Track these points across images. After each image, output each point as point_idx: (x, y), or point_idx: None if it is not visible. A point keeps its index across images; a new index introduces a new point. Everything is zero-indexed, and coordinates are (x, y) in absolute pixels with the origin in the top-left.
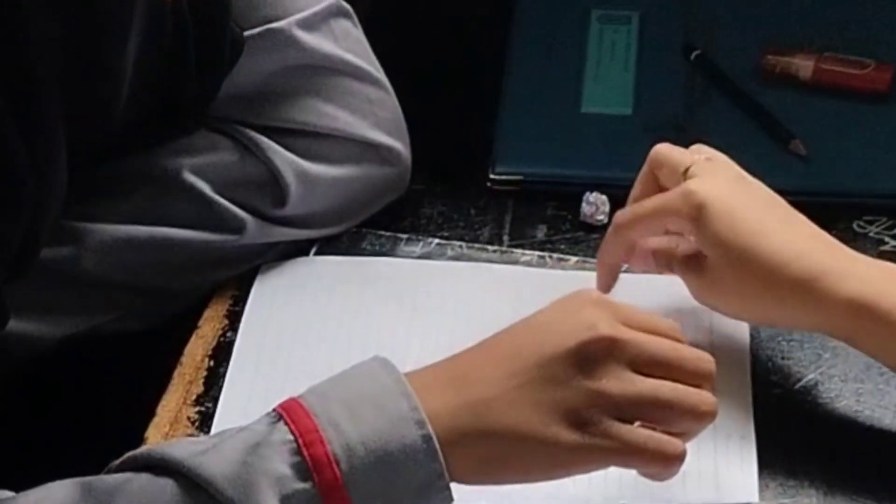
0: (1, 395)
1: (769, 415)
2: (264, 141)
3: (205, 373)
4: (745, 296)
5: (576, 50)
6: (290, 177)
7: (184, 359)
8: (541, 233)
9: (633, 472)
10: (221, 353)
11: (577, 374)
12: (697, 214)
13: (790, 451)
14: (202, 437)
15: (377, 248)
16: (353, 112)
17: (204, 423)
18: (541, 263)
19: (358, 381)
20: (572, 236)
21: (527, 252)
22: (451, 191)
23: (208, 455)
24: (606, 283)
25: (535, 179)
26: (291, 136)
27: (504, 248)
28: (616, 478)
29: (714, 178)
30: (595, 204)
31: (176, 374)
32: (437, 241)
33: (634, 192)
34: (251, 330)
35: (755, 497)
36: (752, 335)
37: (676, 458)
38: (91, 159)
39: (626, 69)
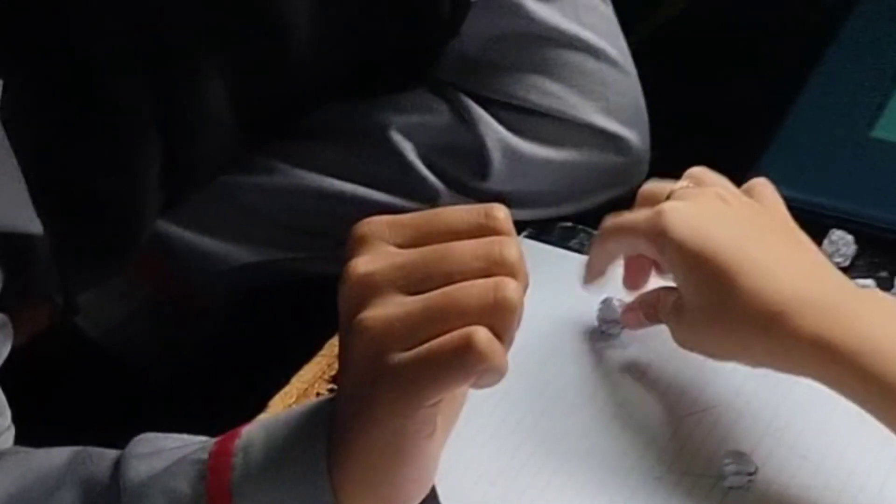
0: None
1: None
2: (477, 111)
3: None
4: (717, 332)
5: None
6: (496, 152)
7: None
8: None
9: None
10: None
11: (353, 334)
12: (661, 238)
13: None
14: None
15: (587, 247)
16: (582, 93)
17: None
18: None
19: (301, 414)
20: None
21: None
22: None
23: (145, 459)
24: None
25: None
26: (508, 111)
27: None
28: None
29: (690, 201)
30: (837, 244)
31: (327, 344)
32: None
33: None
34: None
35: None
36: None
37: (475, 350)
38: (280, 111)
39: None
